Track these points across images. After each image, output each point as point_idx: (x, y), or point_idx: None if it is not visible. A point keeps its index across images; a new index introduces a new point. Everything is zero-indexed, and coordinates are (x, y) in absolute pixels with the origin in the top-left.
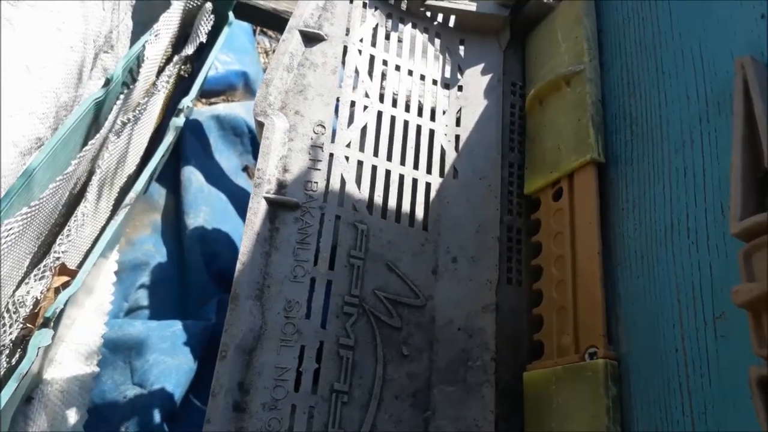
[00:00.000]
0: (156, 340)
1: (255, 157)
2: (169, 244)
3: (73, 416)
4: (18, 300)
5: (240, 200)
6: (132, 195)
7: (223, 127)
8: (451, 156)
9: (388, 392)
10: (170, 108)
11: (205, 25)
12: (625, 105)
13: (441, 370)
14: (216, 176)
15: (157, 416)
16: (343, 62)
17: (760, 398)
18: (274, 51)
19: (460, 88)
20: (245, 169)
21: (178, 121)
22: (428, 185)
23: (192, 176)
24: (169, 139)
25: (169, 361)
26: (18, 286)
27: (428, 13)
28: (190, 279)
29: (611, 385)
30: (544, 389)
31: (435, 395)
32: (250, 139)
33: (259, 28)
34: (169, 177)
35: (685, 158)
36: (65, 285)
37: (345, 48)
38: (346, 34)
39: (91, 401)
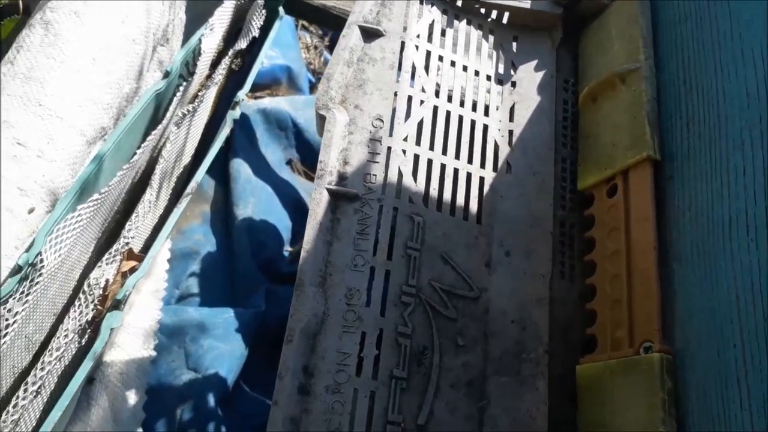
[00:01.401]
0: (209, 326)
1: (298, 150)
2: (218, 234)
3: (132, 397)
4: (93, 282)
5: (284, 193)
6: (193, 185)
7: (268, 121)
8: (504, 151)
9: (444, 381)
10: (221, 100)
11: (257, 20)
12: (682, 103)
13: (495, 361)
14: (262, 169)
15: (210, 400)
16: (401, 58)
17: None
18: (315, 47)
19: (513, 84)
20: (289, 162)
21: (235, 113)
22: (482, 179)
23: (240, 168)
24: (226, 131)
25: (222, 347)
26: (86, 270)
27: (482, 10)
28: (239, 268)
29: (667, 378)
30: (598, 382)
31: (489, 385)
32: (294, 133)
33: (300, 24)
34: (218, 169)
35: (744, 156)
36: (132, 270)
37: (402, 44)
38: (404, 30)
39: (148, 384)
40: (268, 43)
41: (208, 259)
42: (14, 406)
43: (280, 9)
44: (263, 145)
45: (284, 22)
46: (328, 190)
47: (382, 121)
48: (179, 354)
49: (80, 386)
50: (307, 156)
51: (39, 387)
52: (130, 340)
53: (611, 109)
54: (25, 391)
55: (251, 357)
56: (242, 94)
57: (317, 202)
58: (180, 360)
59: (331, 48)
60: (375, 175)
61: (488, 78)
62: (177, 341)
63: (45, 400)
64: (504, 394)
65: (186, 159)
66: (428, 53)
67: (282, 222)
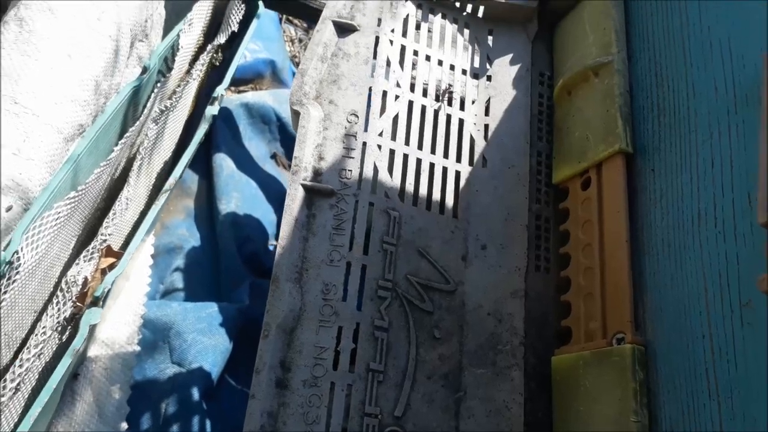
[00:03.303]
0: (193, 320)
1: (283, 144)
2: (202, 229)
3: (116, 392)
4: (70, 280)
5: (269, 187)
6: (171, 181)
7: (252, 115)
8: (480, 145)
9: (420, 373)
10: (202, 96)
11: (236, 15)
12: (653, 96)
13: (471, 353)
14: (246, 163)
15: (195, 394)
16: (375, 52)
17: None
18: (300, 40)
19: (488, 78)
20: (273, 156)
21: (213, 109)
22: (458, 174)
23: (223, 163)
24: (204, 127)
25: (206, 341)
26: (66, 267)
27: (457, 4)
28: (223, 262)
29: (638, 369)
30: (572, 373)
31: (466, 377)
32: (277, 127)
33: (285, 17)
34: (201, 163)
35: (713, 149)
36: (111, 266)
37: (377, 38)
38: (378, 25)
39: (133, 378)
40: (248, 37)
41: (192, 254)
42: None
43: (260, 4)
44: (247, 139)
45: (268, 16)
46: (303, 185)
47: (357, 116)
48: (164, 348)
49: (61, 382)
50: (292, 150)
51: (18, 384)
52: (114, 335)
53: (585, 103)
54: (4, 388)
55: (236, 351)
56: (221, 89)
57: (292, 197)
58: (164, 355)
59: None
60: (350, 170)
61: (464, 72)
62: (161, 336)
63: (26, 396)
64: (480, 385)
65: (166, 155)
66: (403, 48)
67: (266, 216)
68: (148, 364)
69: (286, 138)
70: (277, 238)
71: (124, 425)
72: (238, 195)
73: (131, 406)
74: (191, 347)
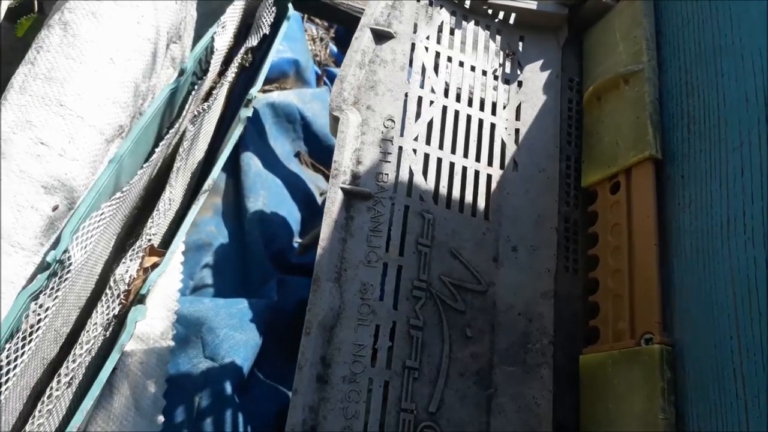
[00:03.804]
0: (225, 316)
1: (306, 143)
2: (230, 226)
3: (152, 386)
4: (118, 278)
5: (293, 185)
6: (210, 181)
7: (277, 114)
8: (511, 149)
9: (453, 370)
10: (233, 96)
11: (267, 17)
12: (683, 104)
13: (502, 352)
14: (272, 161)
15: (228, 387)
16: (411, 59)
17: None
18: (321, 39)
19: (519, 84)
20: (297, 154)
21: (247, 111)
22: (489, 177)
23: (251, 161)
24: (240, 128)
25: (237, 336)
26: (107, 265)
27: (490, 11)
28: (251, 259)
29: (666, 368)
30: (600, 372)
31: (497, 374)
32: (301, 126)
33: (306, 16)
34: (229, 162)
35: (743, 158)
36: (154, 265)
37: (413, 45)
38: (414, 32)
39: (167, 372)
40: (279, 39)
41: (220, 251)
42: (48, 397)
43: (290, 6)
44: (272, 138)
45: (291, 16)
46: (343, 189)
47: (394, 121)
48: (196, 344)
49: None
50: (315, 148)
51: (71, 378)
52: (148, 330)
53: (615, 109)
54: (59, 382)
55: (265, 346)
56: (254, 91)
57: (332, 200)
58: (197, 349)
59: (336, 40)
60: (387, 174)
61: (495, 77)
62: (194, 331)
63: (73, 390)
64: (510, 382)
65: (200, 155)
66: (437, 54)
67: (292, 214)
68: (181, 359)
69: (309, 137)
70: (301, 236)
71: (161, 418)
72: (265, 193)
73: (167, 399)
74: (224, 342)
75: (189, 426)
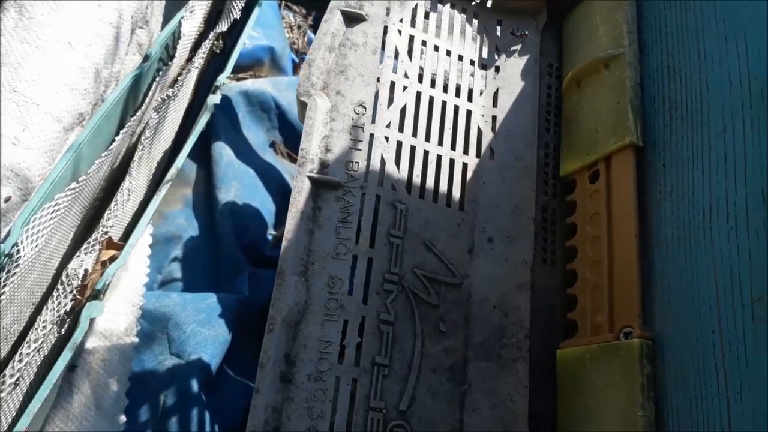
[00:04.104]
0: (192, 311)
1: (282, 132)
2: (201, 218)
3: (115, 384)
4: (71, 272)
5: (268, 176)
6: (173, 171)
7: (251, 103)
8: (487, 136)
9: (426, 366)
10: (203, 84)
11: (238, 2)
12: (665, 89)
13: (477, 346)
14: (245, 151)
15: (194, 385)
16: (383, 42)
17: None
18: (299, 26)
19: (497, 69)
20: (272, 144)
21: (215, 98)
22: (465, 165)
23: (222, 151)
24: (206, 116)
25: (205, 332)
26: (65, 259)
27: None
28: (222, 252)
29: (646, 363)
30: (578, 367)
31: (471, 370)
32: (276, 115)
33: (283, 3)
34: (199, 151)
35: (726, 144)
36: (112, 259)
37: (385, 28)
38: (387, 15)
39: (131, 370)
40: (250, 25)
41: (190, 244)
42: None
43: None
44: (246, 128)
45: (267, 2)
46: (310, 178)
47: (365, 107)
48: (162, 340)
49: (60, 376)
50: (291, 138)
51: (17, 379)
52: (112, 326)
53: (594, 95)
54: (3, 383)
55: (235, 341)
56: (223, 78)
57: (299, 190)
58: (163, 346)
59: (315, 27)
60: (357, 162)
61: (472, 63)
62: (160, 327)
63: (24, 390)
64: (485, 378)
65: (166, 144)
66: (411, 38)
67: (265, 205)
68: (146, 356)
69: (285, 126)
70: (275, 228)
71: (123, 417)
72: (237, 184)
73: (130, 398)
74: (190, 338)
75: (153, 425)
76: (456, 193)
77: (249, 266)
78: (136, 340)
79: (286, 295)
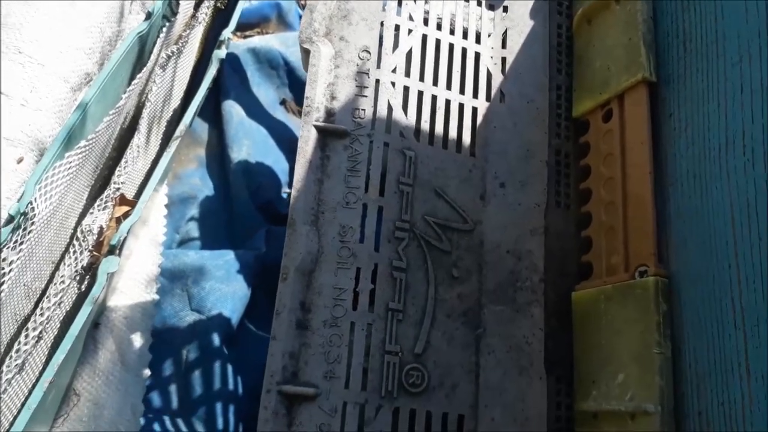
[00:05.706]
0: (211, 268)
1: (291, 89)
2: (215, 177)
3: (138, 340)
4: (85, 229)
5: (279, 133)
6: (182, 127)
7: (259, 60)
8: (497, 79)
9: (440, 311)
10: (209, 41)
11: None
12: (678, 21)
13: (490, 291)
14: (255, 109)
15: (215, 340)
16: None
17: None
18: None
19: (505, 9)
20: (282, 102)
21: (221, 53)
22: (475, 110)
23: (232, 110)
24: (212, 71)
25: (224, 288)
26: (81, 217)
27: None
28: (237, 210)
29: (662, 301)
30: (593, 308)
31: (485, 314)
32: (286, 72)
33: None
34: (211, 111)
35: (743, 73)
36: (126, 215)
37: None
38: None
39: (153, 326)
40: None
41: (206, 203)
42: (17, 351)
43: None
44: (255, 86)
45: None
46: (316, 127)
47: (369, 52)
48: (182, 297)
49: (82, 330)
50: (301, 95)
51: (40, 332)
52: (132, 285)
53: (606, 31)
54: (26, 336)
55: (255, 297)
56: (227, 32)
57: (305, 140)
58: (183, 302)
59: None
60: (364, 109)
61: (479, 3)
62: (179, 284)
63: (48, 345)
64: (500, 322)
65: (175, 102)
66: None
67: (278, 163)
68: (167, 312)
69: (294, 83)
70: (290, 186)
71: (147, 372)
72: (249, 142)
73: (153, 353)
74: (210, 294)
75: (177, 379)
76: (466, 138)
77: (265, 224)
78: (156, 297)
79: (298, 244)
